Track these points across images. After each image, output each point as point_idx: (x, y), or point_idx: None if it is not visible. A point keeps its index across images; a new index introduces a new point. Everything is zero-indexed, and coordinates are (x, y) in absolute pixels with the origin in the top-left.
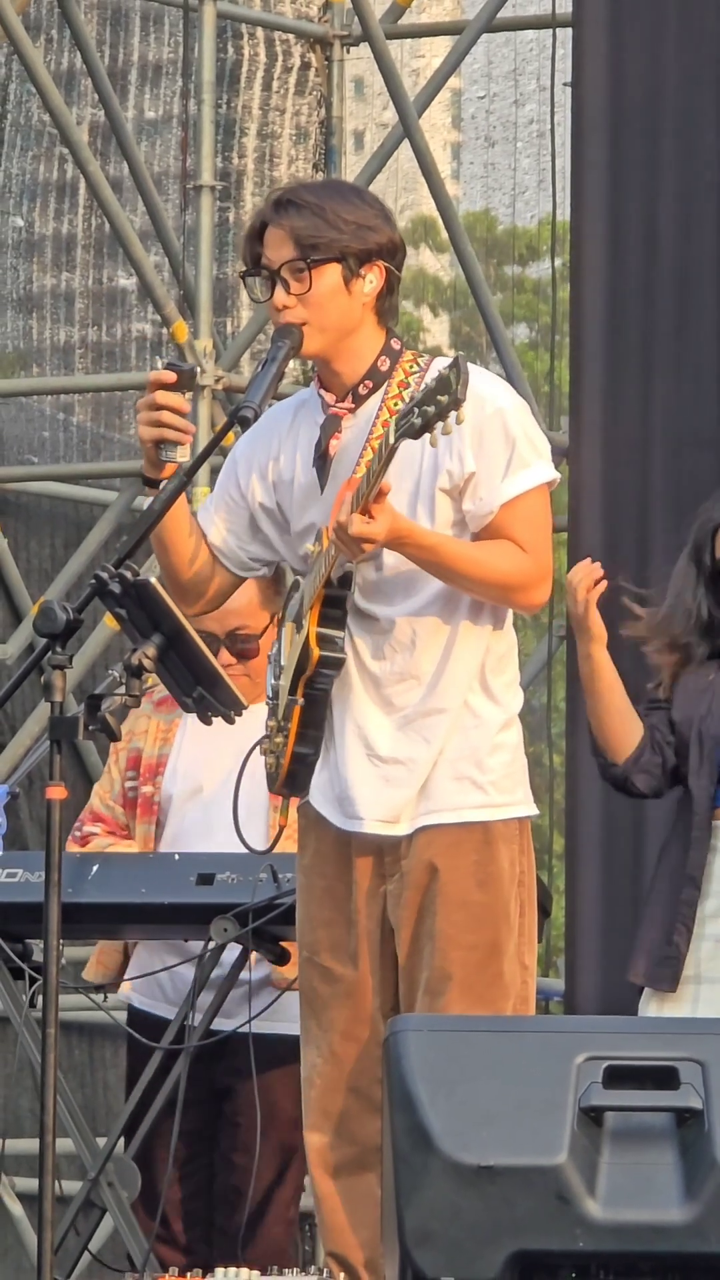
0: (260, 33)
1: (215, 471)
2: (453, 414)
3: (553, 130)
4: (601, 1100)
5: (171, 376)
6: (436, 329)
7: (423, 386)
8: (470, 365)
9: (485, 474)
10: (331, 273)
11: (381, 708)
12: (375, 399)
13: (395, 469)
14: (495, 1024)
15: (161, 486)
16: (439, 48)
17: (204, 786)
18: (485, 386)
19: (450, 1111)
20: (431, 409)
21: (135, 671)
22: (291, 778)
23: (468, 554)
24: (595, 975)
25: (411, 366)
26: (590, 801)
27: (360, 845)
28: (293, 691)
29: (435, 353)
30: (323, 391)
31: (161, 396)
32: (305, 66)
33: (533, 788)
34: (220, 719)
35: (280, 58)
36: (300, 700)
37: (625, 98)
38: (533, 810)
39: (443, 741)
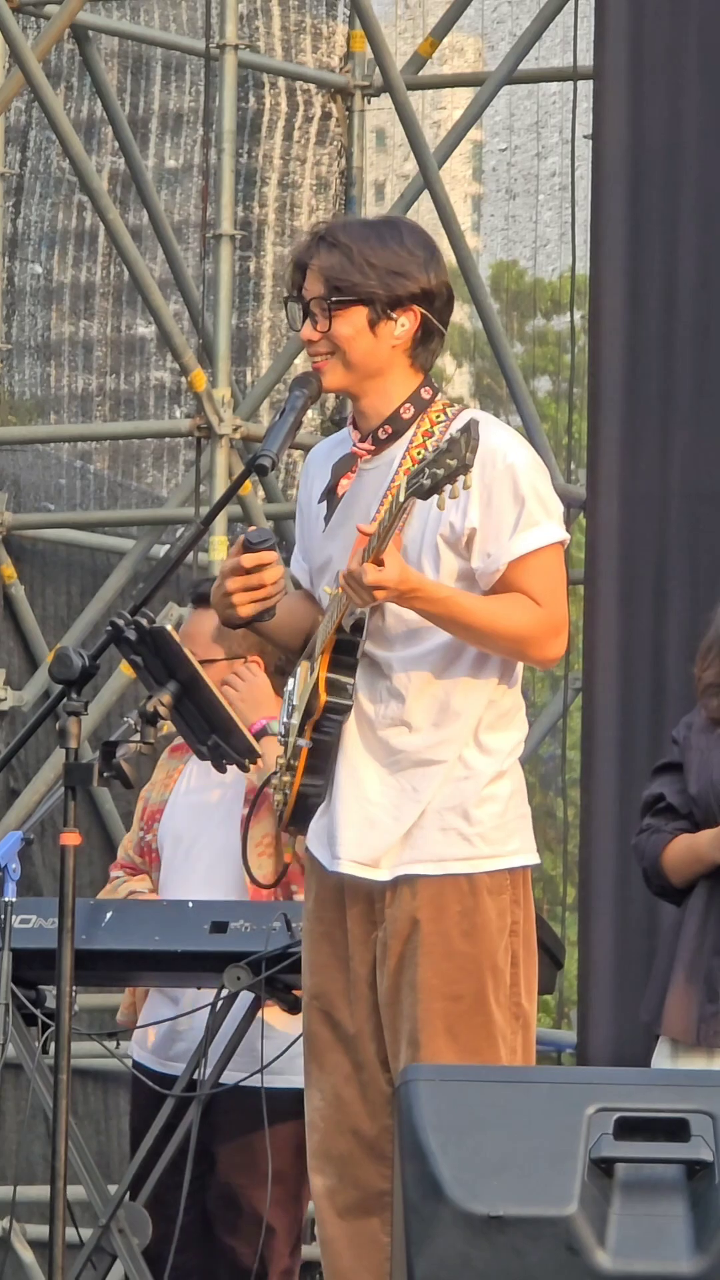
0: (281, 82)
1: (233, 521)
2: (460, 479)
3: (573, 183)
4: (612, 1151)
5: (274, 556)
6: (459, 379)
7: (434, 447)
8: (487, 418)
9: (493, 531)
10: (356, 315)
11: (374, 751)
12: (399, 446)
13: (402, 517)
14: (506, 1074)
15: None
16: (460, 99)
17: (184, 833)
18: (499, 441)
19: (461, 1161)
20: (440, 471)
21: (150, 719)
22: (295, 815)
23: (480, 607)
24: (608, 1027)
25: (439, 416)
26: (603, 853)
27: (353, 893)
28: (300, 734)
29: (458, 403)
30: (351, 429)
31: (270, 574)
32: (326, 116)
33: (545, 839)
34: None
35: (301, 108)
36: (308, 744)
37: (645, 151)
38: (530, 860)
39: (432, 793)
